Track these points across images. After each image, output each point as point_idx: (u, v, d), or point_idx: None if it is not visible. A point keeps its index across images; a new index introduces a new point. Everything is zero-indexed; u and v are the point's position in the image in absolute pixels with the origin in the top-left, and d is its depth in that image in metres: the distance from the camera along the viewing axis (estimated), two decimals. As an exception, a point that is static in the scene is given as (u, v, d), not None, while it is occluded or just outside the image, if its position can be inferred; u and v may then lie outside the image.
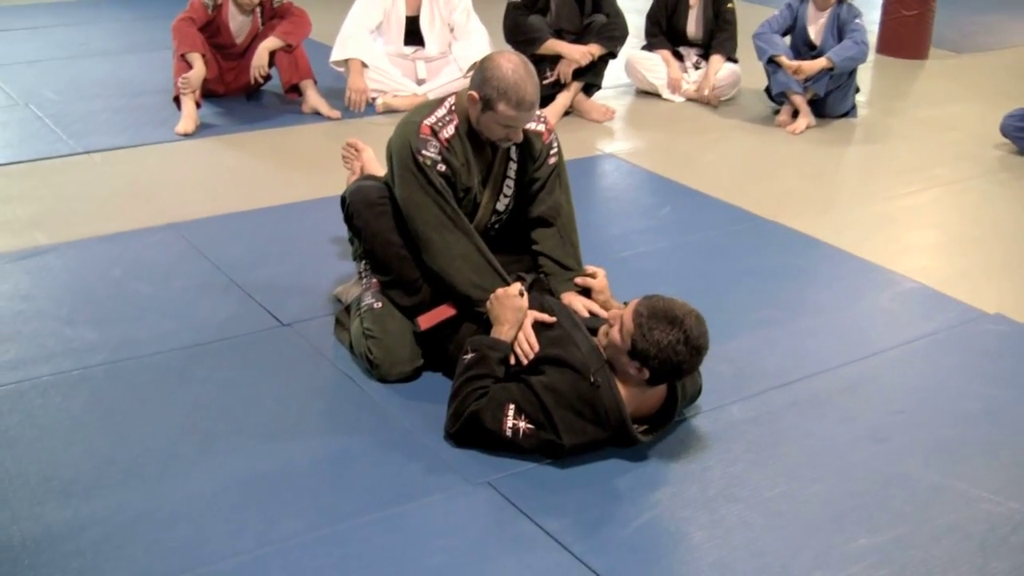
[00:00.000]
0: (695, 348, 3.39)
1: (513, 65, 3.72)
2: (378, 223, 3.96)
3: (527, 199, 4.10)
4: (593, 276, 4.04)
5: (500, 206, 4.07)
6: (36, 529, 3.11)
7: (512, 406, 3.45)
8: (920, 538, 3.21)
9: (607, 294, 4.03)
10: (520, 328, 3.67)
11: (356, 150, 4.93)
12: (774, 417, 3.80)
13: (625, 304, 3.85)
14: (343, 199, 4.14)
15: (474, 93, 3.76)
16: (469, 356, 3.62)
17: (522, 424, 3.43)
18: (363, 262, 4.15)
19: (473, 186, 3.96)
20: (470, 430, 3.50)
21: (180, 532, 3.12)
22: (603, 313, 3.90)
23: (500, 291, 3.74)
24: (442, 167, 3.84)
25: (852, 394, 3.97)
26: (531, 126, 3.98)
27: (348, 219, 4.10)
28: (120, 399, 3.78)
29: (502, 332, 3.65)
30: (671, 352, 3.35)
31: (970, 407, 3.92)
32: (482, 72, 3.76)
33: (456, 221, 3.84)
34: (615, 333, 3.46)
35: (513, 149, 4.00)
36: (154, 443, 3.53)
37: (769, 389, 3.97)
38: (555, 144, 4.10)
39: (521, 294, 3.71)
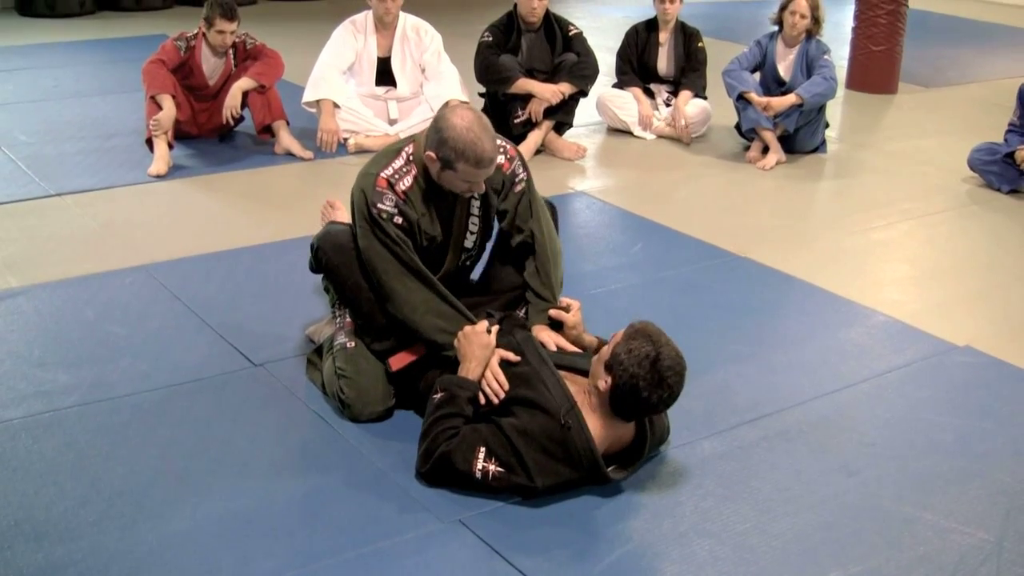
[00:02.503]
0: (659, 375, 3.36)
1: (467, 123, 3.69)
2: (349, 268, 3.95)
3: (504, 231, 4.11)
4: (567, 309, 4.04)
5: (468, 243, 4.08)
6: (7, 573, 3.09)
7: (483, 449, 3.45)
8: (891, 570, 3.23)
9: (580, 328, 4.03)
10: (487, 366, 3.68)
11: (332, 208, 4.95)
12: (745, 451, 3.82)
13: (599, 338, 3.88)
14: (313, 246, 4.12)
15: (431, 153, 3.75)
16: (439, 395, 3.62)
17: (492, 467, 3.43)
18: (337, 305, 4.15)
19: (436, 233, 3.97)
20: (440, 471, 3.50)
21: (153, 574, 3.11)
22: (569, 347, 3.91)
23: (468, 328, 3.75)
24: (398, 219, 3.84)
25: (823, 428, 3.99)
26: None
27: (318, 262, 4.08)
28: (93, 441, 3.76)
29: (470, 370, 3.66)
30: (636, 364, 3.34)
31: (941, 439, 3.94)
32: (437, 133, 3.72)
33: (415, 269, 3.84)
34: (606, 348, 3.50)
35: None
36: (127, 485, 3.52)
37: (740, 424, 3.98)
38: (519, 171, 4.07)
39: (489, 331, 3.73)
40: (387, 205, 3.82)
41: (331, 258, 3.99)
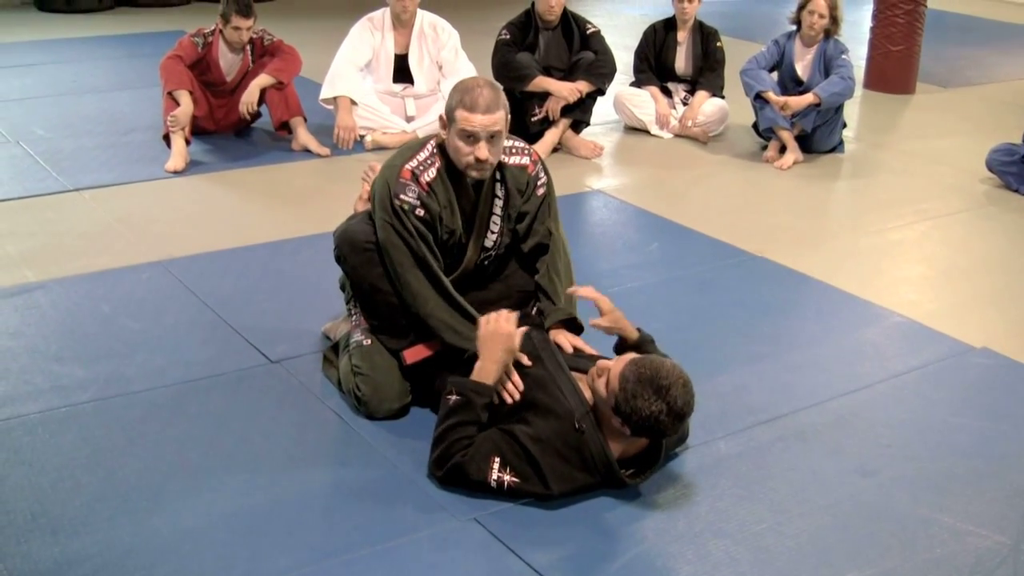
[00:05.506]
0: (678, 416, 3.36)
1: (476, 77, 3.82)
2: (365, 268, 3.93)
3: (520, 233, 4.11)
4: (575, 297, 3.98)
5: (488, 243, 4.07)
6: (23, 567, 3.10)
7: (497, 459, 3.43)
8: (907, 572, 3.22)
9: (616, 314, 3.90)
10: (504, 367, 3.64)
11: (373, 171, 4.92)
12: (761, 452, 3.81)
13: (640, 331, 3.86)
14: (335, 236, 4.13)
15: (443, 115, 3.82)
16: (453, 398, 3.56)
17: (507, 477, 3.42)
18: (353, 302, 4.15)
19: (457, 227, 3.96)
20: (454, 479, 3.49)
21: (168, 568, 3.12)
22: (588, 350, 3.90)
23: (494, 326, 3.65)
24: (420, 211, 3.84)
25: (839, 428, 3.98)
26: (515, 160, 3.99)
27: (338, 261, 4.08)
28: (108, 436, 3.77)
29: (488, 372, 3.58)
30: (653, 421, 3.33)
31: (958, 441, 3.93)
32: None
33: (425, 266, 3.84)
34: (601, 385, 3.44)
35: (498, 186, 4.00)
36: (143, 479, 3.53)
37: (756, 424, 3.97)
38: (542, 175, 4.09)
39: (517, 326, 3.69)
40: (410, 197, 3.82)
41: (348, 258, 3.98)
